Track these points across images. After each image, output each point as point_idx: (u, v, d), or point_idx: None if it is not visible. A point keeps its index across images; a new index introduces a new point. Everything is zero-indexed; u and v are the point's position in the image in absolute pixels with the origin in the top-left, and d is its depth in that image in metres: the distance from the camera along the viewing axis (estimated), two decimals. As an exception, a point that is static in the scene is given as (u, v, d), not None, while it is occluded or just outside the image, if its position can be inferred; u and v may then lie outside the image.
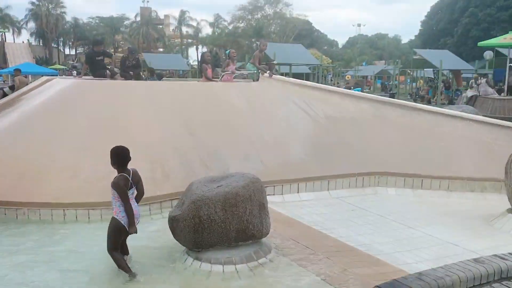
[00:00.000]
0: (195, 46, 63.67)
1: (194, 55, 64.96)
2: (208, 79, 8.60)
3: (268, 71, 8.31)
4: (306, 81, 8.72)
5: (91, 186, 4.95)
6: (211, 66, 9.38)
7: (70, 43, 66.49)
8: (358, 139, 6.84)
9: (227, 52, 9.65)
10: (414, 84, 33.79)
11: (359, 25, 64.71)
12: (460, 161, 6.47)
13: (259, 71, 8.54)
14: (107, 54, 9.76)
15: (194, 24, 62.27)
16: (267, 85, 8.16)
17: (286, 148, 6.39)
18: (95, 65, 8.56)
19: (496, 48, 22.67)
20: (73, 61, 57.55)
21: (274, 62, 9.19)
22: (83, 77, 9.26)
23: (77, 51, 65.05)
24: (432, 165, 6.38)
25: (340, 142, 6.78)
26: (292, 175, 5.86)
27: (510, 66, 17.83)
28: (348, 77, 43.43)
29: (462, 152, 6.61)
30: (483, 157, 6.51)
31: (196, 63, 59.76)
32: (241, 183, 3.59)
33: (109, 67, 9.56)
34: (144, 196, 3.77)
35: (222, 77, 8.90)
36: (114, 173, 3.54)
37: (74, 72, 31.63)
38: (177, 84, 9.13)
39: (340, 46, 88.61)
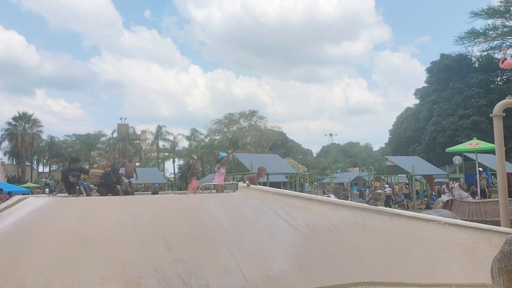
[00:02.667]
0: (171, 159, 64.74)
1: (170, 167, 65.81)
2: (194, 191, 9.05)
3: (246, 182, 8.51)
4: (284, 190, 8.85)
5: (61, 311, 4.63)
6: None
7: (44, 161, 66.65)
8: (341, 248, 6.78)
9: (223, 155, 9.86)
10: (391, 190, 34.57)
11: (331, 134, 67.74)
12: (445, 266, 6.42)
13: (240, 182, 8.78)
14: (83, 171, 9.82)
15: (171, 138, 64.13)
16: (246, 194, 8.25)
17: (268, 259, 6.24)
18: (71, 182, 8.56)
19: (464, 153, 23.93)
20: (46, 178, 57.17)
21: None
22: (57, 195, 9.18)
23: (51, 169, 64.99)
24: (418, 272, 6.30)
25: (323, 250, 6.70)
26: (276, 289, 5.65)
27: (479, 170, 18.68)
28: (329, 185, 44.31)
29: (446, 257, 6.59)
30: (467, 261, 6.49)
31: (173, 175, 60.30)
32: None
33: (85, 183, 9.57)
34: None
35: (214, 180, 9.29)
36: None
37: (47, 190, 31.20)
38: (155, 197, 9.11)
39: (314, 154, 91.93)
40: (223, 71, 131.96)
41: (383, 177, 35.67)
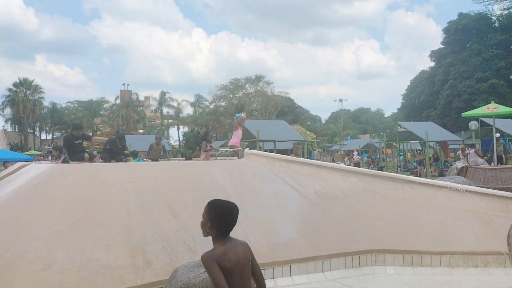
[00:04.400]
0: (176, 126, 64.85)
1: (175, 135, 66.03)
2: (207, 155, 9.32)
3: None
4: (292, 157, 8.82)
5: (66, 277, 4.70)
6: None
7: (47, 128, 67.11)
8: (350, 215, 6.79)
9: (239, 115, 9.92)
10: (401, 157, 34.54)
11: (340, 100, 66.93)
12: (459, 234, 6.42)
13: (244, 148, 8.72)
14: (86, 137, 9.86)
15: (175, 104, 63.99)
16: (252, 161, 8.23)
17: (275, 227, 6.27)
18: (73, 149, 8.59)
19: (481, 118, 23.63)
20: (49, 146, 57.73)
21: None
22: (59, 161, 9.24)
23: (54, 136, 65.53)
24: (431, 240, 6.30)
25: (331, 218, 6.72)
26: (283, 256, 5.69)
27: (496, 136, 18.48)
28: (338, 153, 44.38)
29: (460, 224, 6.57)
30: (482, 229, 6.48)
31: (178, 143, 60.58)
32: (230, 267, 3.45)
33: (87, 150, 9.62)
34: (124, 287, 3.58)
35: (230, 141, 9.45)
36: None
37: (50, 157, 31.52)
38: (159, 164, 9.14)
39: (323, 121, 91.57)
40: (227, 34, 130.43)
41: (395, 144, 35.54)
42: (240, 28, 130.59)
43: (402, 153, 35.61)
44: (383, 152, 36.84)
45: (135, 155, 13.70)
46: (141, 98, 68.79)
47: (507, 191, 7.84)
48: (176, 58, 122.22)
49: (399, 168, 30.07)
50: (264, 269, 5.44)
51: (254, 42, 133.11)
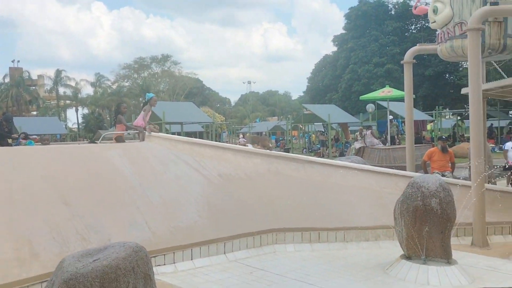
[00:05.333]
0: (74, 108, 61.13)
1: (73, 117, 62.28)
2: (128, 127, 9.22)
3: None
4: (196, 139, 8.74)
5: None
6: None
7: None
8: (254, 196, 6.93)
9: (150, 95, 9.36)
10: (306, 139, 36.03)
11: (249, 82, 67.90)
12: (353, 210, 6.85)
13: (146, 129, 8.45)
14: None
15: (73, 84, 60.12)
16: (154, 144, 8.04)
17: (177, 211, 6.20)
18: None
19: (377, 101, 25.37)
20: None
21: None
22: None
23: None
24: (328, 217, 6.65)
25: (235, 200, 6.80)
26: (184, 240, 5.65)
27: (390, 118, 19.97)
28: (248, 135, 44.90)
29: (354, 201, 7.02)
30: (374, 205, 6.97)
31: (76, 126, 57.24)
32: (122, 254, 3.32)
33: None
34: (7, 281, 3.30)
35: (135, 122, 8.97)
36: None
37: None
38: (51, 148, 8.54)
39: (232, 103, 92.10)
40: (130, 9, 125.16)
41: (301, 126, 36.91)
42: (144, 4, 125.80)
43: (307, 135, 37.13)
44: (289, 134, 38.10)
45: (25, 138, 12.65)
46: (34, 77, 63.54)
47: (399, 169, 8.53)
48: (73, 33, 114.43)
49: (305, 150, 31.35)
50: (164, 254, 5.38)
51: (160, 20, 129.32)
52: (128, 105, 54.80)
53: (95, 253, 3.47)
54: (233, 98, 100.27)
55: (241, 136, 34.46)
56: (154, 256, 5.14)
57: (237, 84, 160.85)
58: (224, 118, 59.72)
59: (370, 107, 25.40)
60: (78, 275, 3.16)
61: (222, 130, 47.07)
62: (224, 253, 5.86)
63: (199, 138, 19.42)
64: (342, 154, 23.12)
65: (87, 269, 3.20)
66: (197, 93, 72.17)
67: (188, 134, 23.76)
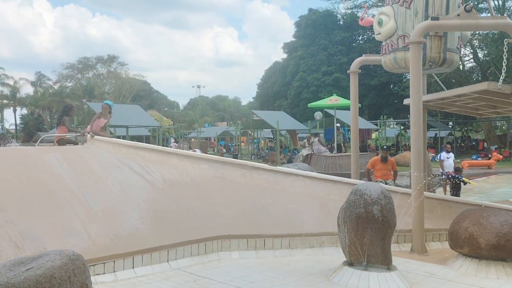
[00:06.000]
0: (12, 108, 58.21)
1: (11, 118, 59.27)
2: (69, 130, 9.03)
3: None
4: (141, 143, 8.57)
5: None
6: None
7: None
8: (199, 202, 6.87)
9: (108, 102, 9.51)
10: (255, 144, 36.25)
11: (199, 86, 67.28)
12: (299, 217, 6.95)
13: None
14: None
15: (11, 82, 57.28)
16: (97, 148, 7.80)
17: (118, 217, 6.03)
18: None
19: (325, 109, 25.98)
20: None
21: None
22: None
23: None
24: (274, 224, 6.71)
25: (180, 206, 6.72)
26: (125, 248, 5.50)
27: (337, 126, 20.51)
28: (194, 140, 44.48)
29: (300, 208, 7.12)
30: (319, 212, 7.12)
31: (14, 126, 54.52)
32: (57, 263, 3.20)
33: None
34: None
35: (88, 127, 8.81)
36: None
37: None
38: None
39: (181, 107, 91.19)
40: (75, 7, 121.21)
41: (250, 132, 37.11)
42: (90, 2, 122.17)
43: (256, 141, 37.34)
44: (238, 140, 38.20)
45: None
46: (-33, 74, 59.93)
47: (344, 177, 8.76)
48: (13, 29, 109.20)
49: (253, 156, 31.52)
50: (104, 262, 5.21)
51: (106, 19, 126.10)
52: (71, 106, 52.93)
53: (28, 261, 3.32)
54: (182, 102, 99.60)
55: (172, 140, 34.19)
56: (93, 265, 4.97)
57: (186, 87, 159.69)
58: (172, 122, 58.99)
59: (318, 115, 25.98)
60: (10, 285, 3.01)
61: (170, 134, 46.43)
62: (167, 261, 5.76)
63: (145, 142, 19.07)
64: (290, 161, 23.44)
65: (19, 279, 3.05)
66: (144, 96, 70.88)
67: (134, 138, 23.23)
